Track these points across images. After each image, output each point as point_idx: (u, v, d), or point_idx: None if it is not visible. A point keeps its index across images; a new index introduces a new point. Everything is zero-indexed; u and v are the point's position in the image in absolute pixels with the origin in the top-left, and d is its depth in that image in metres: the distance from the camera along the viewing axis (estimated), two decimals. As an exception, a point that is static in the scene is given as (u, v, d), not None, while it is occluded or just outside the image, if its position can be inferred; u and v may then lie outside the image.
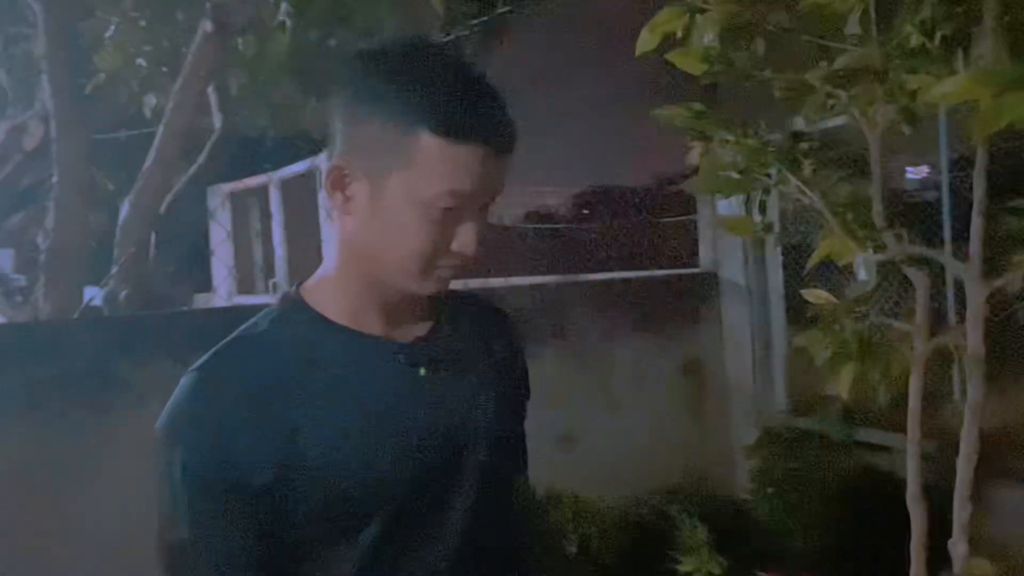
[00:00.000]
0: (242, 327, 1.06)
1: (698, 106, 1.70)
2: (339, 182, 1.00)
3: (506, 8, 6.67)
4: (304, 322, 1.05)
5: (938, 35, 1.36)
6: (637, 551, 3.40)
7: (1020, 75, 1.11)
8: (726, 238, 4.53)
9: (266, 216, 8.45)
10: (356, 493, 1.00)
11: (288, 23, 4.99)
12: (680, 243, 5.39)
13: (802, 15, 1.53)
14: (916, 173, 4.68)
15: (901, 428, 3.89)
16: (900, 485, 3.81)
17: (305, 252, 7.83)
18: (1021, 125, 1.01)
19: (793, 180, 1.57)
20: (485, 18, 6.94)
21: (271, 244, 8.44)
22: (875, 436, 4.00)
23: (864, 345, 1.46)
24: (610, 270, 5.93)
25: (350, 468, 0.99)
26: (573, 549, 2.99)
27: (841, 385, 1.55)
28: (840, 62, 1.41)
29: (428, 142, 0.93)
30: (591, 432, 3.90)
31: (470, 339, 1.18)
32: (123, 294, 4.09)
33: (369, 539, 1.01)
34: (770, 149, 1.61)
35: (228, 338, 1.04)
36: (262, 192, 8.59)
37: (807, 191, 1.54)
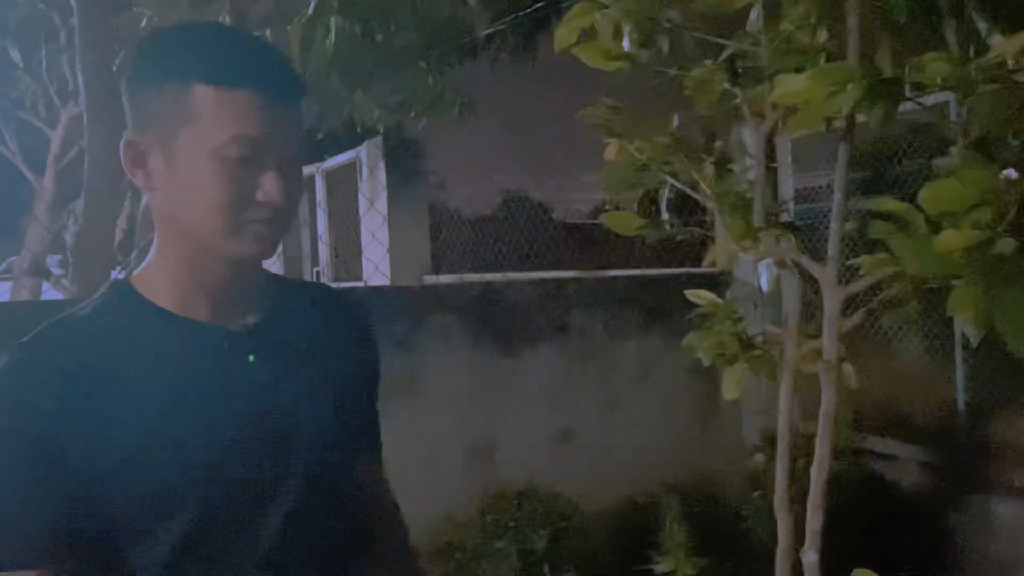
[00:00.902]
0: (68, 310, 1.08)
1: (611, 102, 1.70)
2: (136, 159, 1.00)
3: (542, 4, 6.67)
4: (127, 306, 1.04)
5: (820, 34, 1.33)
6: (614, 548, 3.39)
7: (851, 73, 1.09)
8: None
9: (312, 205, 8.63)
10: (170, 482, 0.99)
11: (334, 20, 5.09)
12: (694, 243, 5.31)
13: (701, 13, 1.51)
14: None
15: (903, 437, 3.81)
16: (897, 492, 3.73)
17: (349, 241, 8.00)
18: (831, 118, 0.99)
19: (696, 176, 1.56)
20: (525, 11, 6.93)
21: (317, 233, 8.62)
22: (878, 444, 3.92)
23: (744, 346, 1.44)
24: (622, 268, 5.89)
25: (164, 455, 0.98)
26: (542, 543, 3.00)
27: (728, 386, 1.53)
28: (723, 58, 1.40)
29: (202, 92, 0.95)
30: (590, 429, 3.91)
31: (307, 327, 1.16)
32: (140, 278, 4.26)
33: (179, 536, 0.99)
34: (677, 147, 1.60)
35: (52, 319, 1.04)
36: (308, 182, 8.81)
37: (704, 188, 1.53)
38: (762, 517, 3.55)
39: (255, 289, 1.11)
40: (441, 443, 3.53)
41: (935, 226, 1.08)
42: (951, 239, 1.00)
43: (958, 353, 3.81)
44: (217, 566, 1.03)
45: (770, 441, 3.94)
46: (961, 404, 3.85)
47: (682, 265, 5.13)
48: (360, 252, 7.36)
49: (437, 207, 7.97)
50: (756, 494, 3.51)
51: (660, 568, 3.21)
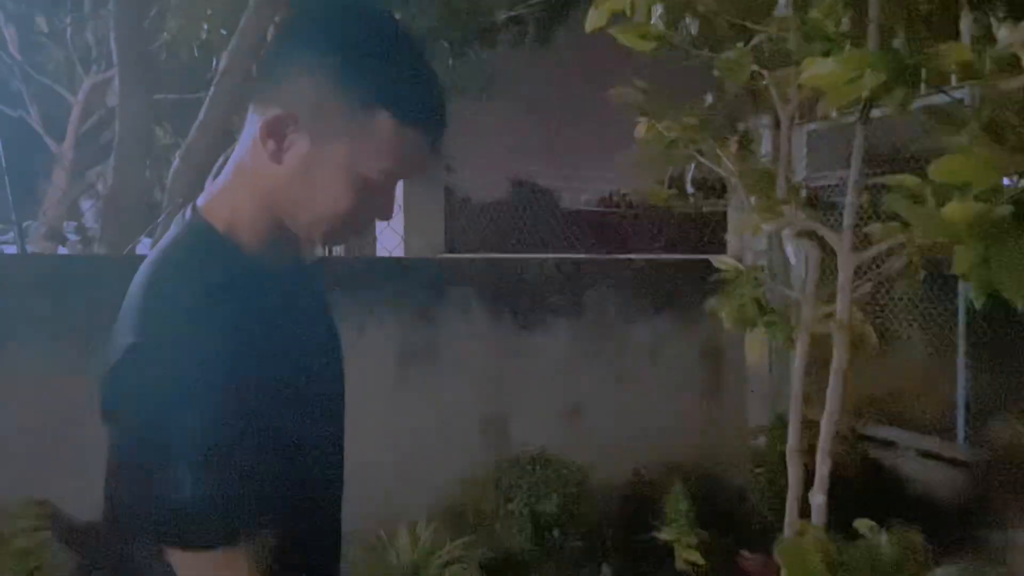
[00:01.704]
0: (158, 246, 1.14)
1: (643, 84, 1.81)
2: (278, 132, 1.00)
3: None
4: (209, 241, 1.07)
5: (844, 20, 1.44)
6: (620, 516, 3.53)
7: (874, 59, 1.20)
8: (745, 239, 4.56)
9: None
10: (272, 397, 1.00)
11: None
12: (710, 230, 5.43)
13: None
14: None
15: (905, 424, 3.93)
16: (894, 479, 3.85)
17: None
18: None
19: (721, 154, 1.67)
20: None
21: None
22: (880, 431, 4.05)
23: (762, 309, 1.56)
24: (639, 252, 6.01)
25: (266, 371, 1.00)
26: (553, 507, 3.14)
27: (750, 348, 1.65)
28: (754, 43, 1.51)
29: (387, 125, 0.98)
30: (600, 405, 4.04)
31: (318, 279, 1.26)
32: (169, 241, 4.38)
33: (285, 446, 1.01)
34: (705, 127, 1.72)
35: (156, 258, 1.08)
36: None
37: (728, 165, 1.64)
38: (763, 495, 3.68)
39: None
40: (458, 411, 3.66)
41: (942, 198, 1.19)
42: (957, 209, 1.12)
43: (960, 348, 3.93)
44: (311, 476, 1.12)
45: (778, 424, 4.07)
46: (961, 398, 3.97)
47: (693, 252, 5.25)
48: (375, 239, 7.45)
49: (452, 191, 8.06)
50: (758, 470, 3.63)
51: (663, 536, 3.35)
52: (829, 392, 1.43)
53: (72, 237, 7.51)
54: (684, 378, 4.33)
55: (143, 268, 1.09)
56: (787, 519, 1.55)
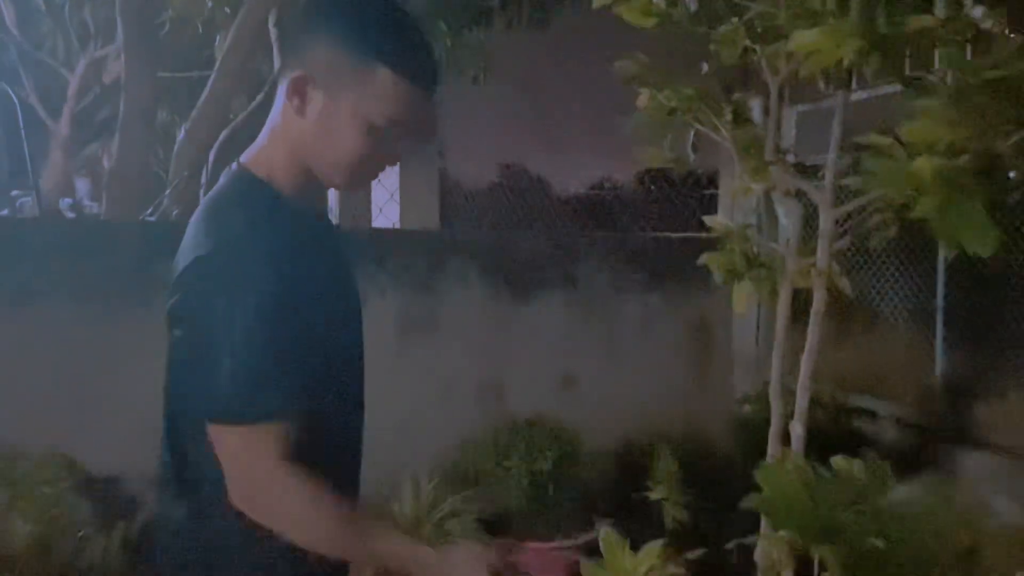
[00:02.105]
0: (209, 195, 1.32)
1: (644, 58, 1.96)
2: (300, 89, 1.20)
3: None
4: (257, 189, 1.27)
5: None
6: (612, 478, 3.70)
7: (854, 29, 1.35)
8: (744, 206, 4.72)
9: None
10: (319, 327, 1.22)
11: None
12: (700, 210, 5.59)
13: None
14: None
15: (887, 395, 4.10)
16: (873, 444, 4.03)
17: (358, 202, 8.22)
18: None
19: (716, 122, 1.82)
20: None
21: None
22: (863, 401, 4.24)
23: (751, 262, 1.72)
24: (634, 230, 6.19)
25: (313, 302, 1.22)
26: (548, 465, 3.30)
27: (737, 301, 1.81)
28: (747, 17, 1.66)
29: (385, 76, 1.17)
30: (592, 375, 4.20)
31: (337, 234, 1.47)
32: (174, 214, 4.49)
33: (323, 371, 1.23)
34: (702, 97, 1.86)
35: (215, 197, 1.28)
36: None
37: (723, 131, 1.79)
38: (748, 460, 3.85)
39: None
40: (456, 378, 3.82)
41: (912, 157, 1.35)
42: (923, 163, 1.27)
43: (939, 319, 4.12)
44: (342, 396, 1.33)
45: (762, 395, 4.24)
46: (939, 371, 4.17)
47: (681, 231, 5.44)
48: (370, 206, 7.57)
49: (447, 174, 8.16)
50: (743, 436, 3.80)
51: (653, 495, 3.52)
52: (809, 332, 1.58)
53: (69, 215, 7.56)
54: (673, 350, 4.49)
55: (197, 213, 1.30)
56: (769, 450, 1.71)
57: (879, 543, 1.27)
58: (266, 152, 1.28)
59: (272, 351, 1.13)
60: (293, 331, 1.15)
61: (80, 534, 2.72)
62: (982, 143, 1.32)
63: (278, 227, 1.21)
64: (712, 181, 5.59)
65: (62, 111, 7.58)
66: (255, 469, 1.15)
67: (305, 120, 1.21)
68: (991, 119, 1.29)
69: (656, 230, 6.84)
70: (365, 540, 1.19)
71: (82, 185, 8.59)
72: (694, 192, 6.43)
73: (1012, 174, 1.50)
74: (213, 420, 1.15)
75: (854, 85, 1.78)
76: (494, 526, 3.26)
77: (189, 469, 1.25)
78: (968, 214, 1.23)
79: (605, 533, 1.43)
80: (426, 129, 1.27)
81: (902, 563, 1.26)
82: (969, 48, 1.52)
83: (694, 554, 3.21)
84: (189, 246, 1.22)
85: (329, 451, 1.25)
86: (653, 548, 1.33)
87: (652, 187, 7.78)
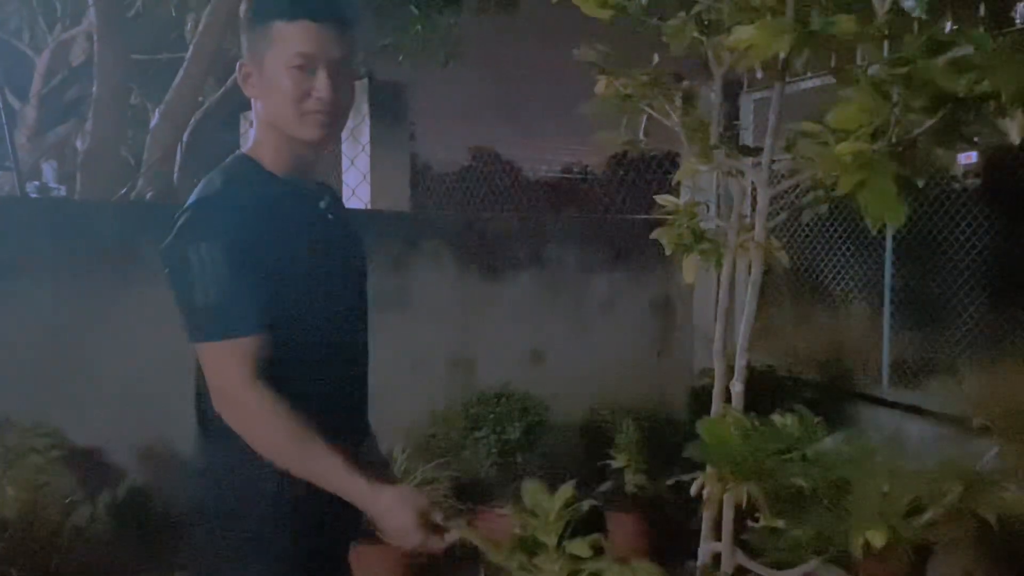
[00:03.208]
0: (209, 175, 1.51)
1: (603, 48, 2.11)
2: (246, 76, 1.49)
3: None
4: (253, 169, 1.51)
5: (768, -4, 1.74)
6: (578, 446, 3.89)
7: (787, 26, 1.52)
8: (702, 188, 4.90)
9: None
10: (304, 286, 1.45)
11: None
12: (666, 192, 5.76)
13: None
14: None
15: (827, 368, 4.32)
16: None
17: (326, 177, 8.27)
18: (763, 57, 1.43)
19: (668, 108, 1.98)
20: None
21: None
22: (807, 373, 4.47)
23: (697, 237, 1.89)
24: (602, 213, 6.35)
25: (297, 264, 1.45)
26: (517, 435, 3.47)
27: (687, 272, 1.98)
28: (695, 11, 1.82)
29: (278, 25, 1.43)
30: (559, 350, 4.37)
31: (340, 203, 1.70)
32: (148, 195, 4.58)
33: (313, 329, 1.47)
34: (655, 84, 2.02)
35: (213, 175, 1.49)
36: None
37: (674, 117, 1.95)
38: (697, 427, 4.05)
39: (316, 167, 1.62)
40: (428, 353, 3.97)
41: (838, 142, 1.52)
42: (844, 147, 1.44)
43: (886, 305, 4.36)
44: (333, 362, 1.53)
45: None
46: (886, 347, 4.40)
47: (648, 213, 5.62)
48: (341, 189, 7.65)
49: (417, 157, 8.24)
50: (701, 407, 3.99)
51: (616, 463, 3.71)
52: (747, 300, 1.75)
53: (34, 196, 7.55)
54: (637, 325, 4.68)
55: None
56: (713, 408, 1.88)
57: (801, 482, 1.45)
58: (255, 137, 1.55)
59: (236, 283, 1.36)
60: (257, 270, 1.38)
61: (67, 501, 2.83)
62: (898, 129, 1.50)
63: (251, 187, 1.46)
64: (677, 165, 5.76)
65: (28, 93, 7.54)
66: (225, 381, 1.38)
67: (256, 91, 1.48)
68: (903, 108, 1.46)
69: (623, 212, 7.02)
70: (311, 461, 1.37)
71: (47, 168, 8.55)
72: (660, 175, 6.62)
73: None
74: (192, 339, 1.40)
75: (808, 74, 1.95)
76: (465, 492, 3.43)
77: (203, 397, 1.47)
78: (880, 192, 1.41)
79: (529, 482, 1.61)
80: (332, 50, 1.45)
81: (819, 499, 1.43)
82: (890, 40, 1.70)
83: (603, 487, 3.40)
84: (185, 207, 1.45)
85: (307, 385, 1.44)
86: (567, 488, 1.51)
87: (620, 171, 7.96)
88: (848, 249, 4.75)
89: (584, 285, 4.59)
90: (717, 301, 4.84)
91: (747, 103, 4.70)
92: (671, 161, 5.93)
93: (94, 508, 2.89)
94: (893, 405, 4.14)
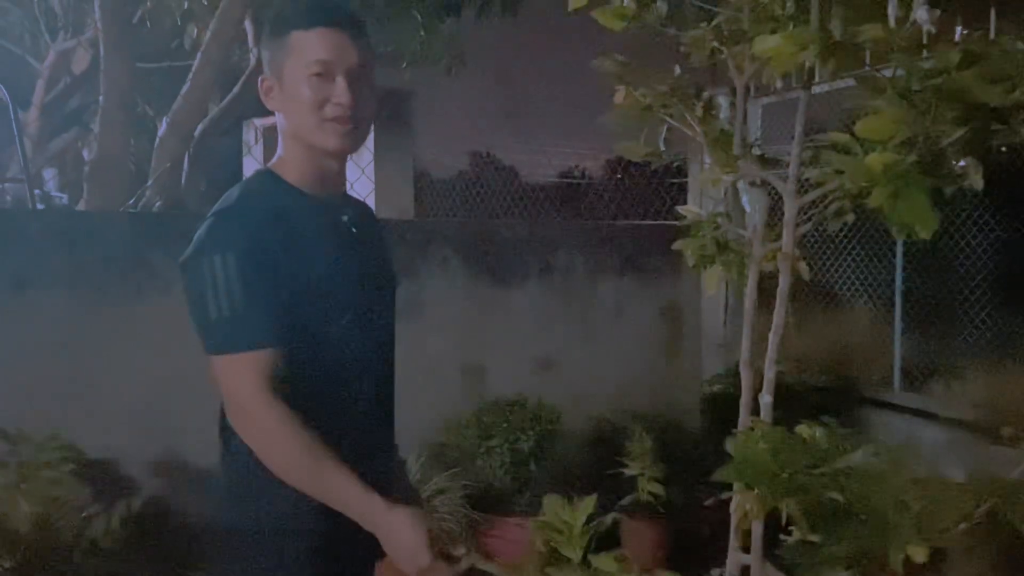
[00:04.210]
0: (231, 190, 1.50)
1: (622, 58, 2.10)
2: (268, 90, 1.50)
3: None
4: (275, 184, 1.50)
5: (790, 4, 1.73)
6: (590, 455, 3.87)
7: (812, 36, 1.51)
8: (711, 195, 4.90)
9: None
10: (322, 299, 1.44)
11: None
12: (673, 200, 5.76)
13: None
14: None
15: (839, 373, 4.31)
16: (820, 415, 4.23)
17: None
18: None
19: (688, 117, 1.97)
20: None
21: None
22: (819, 379, 4.46)
23: (721, 247, 1.87)
24: (607, 220, 6.35)
25: (315, 274, 1.44)
26: (530, 443, 3.45)
27: (709, 283, 1.97)
28: (715, 22, 1.81)
29: (296, 35, 1.44)
30: (569, 358, 4.35)
31: (368, 217, 1.68)
32: (156, 205, 4.55)
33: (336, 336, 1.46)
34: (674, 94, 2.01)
35: (234, 191, 1.48)
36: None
37: (695, 126, 1.94)
38: (717, 434, 4.04)
39: (342, 180, 1.62)
40: (439, 362, 3.95)
41: (867, 151, 1.50)
42: (876, 158, 1.43)
43: (897, 310, 4.35)
44: (334, 349, 1.48)
45: (729, 375, 4.44)
46: (897, 352, 4.39)
47: (648, 217, 5.62)
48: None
49: (419, 164, 8.22)
50: (713, 414, 3.98)
51: (629, 471, 3.69)
52: (775, 311, 1.74)
53: (39, 206, 7.52)
54: (646, 332, 4.66)
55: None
56: (740, 419, 1.87)
57: (837, 496, 1.43)
58: (279, 151, 1.55)
59: (252, 295, 1.36)
60: (273, 283, 1.37)
61: (83, 515, 2.81)
62: (927, 140, 1.49)
63: (269, 199, 1.46)
64: (680, 170, 5.76)
65: (30, 102, 7.52)
66: (239, 394, 1.36)
67: (277, 104, 1.49)
68: (935, 118, 1.45)
69: (625, 216, 7.01)
70: (324, 479, 1.34)
71: (49, 176, 8.53)
72: (662, 180, 6.62)
73: (964, 162, 1.65)
74: (208, 351, 1.39)
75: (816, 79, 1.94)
76: (478, 502, 3.41)
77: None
78: (913, 203, 1.40)
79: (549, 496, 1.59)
80: (348, 57, 1.46)
81: (856, 513, 1.42)
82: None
83: (625, 501, 3.38)
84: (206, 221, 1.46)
85: (326, 399, 1.43)
86: (589, 501, 1.49)
87: (620, 175, 7.95)
88: (858, 252, 4.74)
89: (593, 291, 4.57)
90: (726, 307, 4.86)
91: (756, 109, 4.71)
92: (676, 167, 5.92)
93: (109, 522, 2.87)
94: (904, 410, 4.13)
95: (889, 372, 4.40)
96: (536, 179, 9.40)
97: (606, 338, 4.55)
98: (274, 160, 1.55)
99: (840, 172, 1.56)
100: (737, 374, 4.22)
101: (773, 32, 1.73)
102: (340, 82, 1.43)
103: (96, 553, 2.81)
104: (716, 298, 4.83)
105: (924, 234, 1.44)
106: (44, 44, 7.52)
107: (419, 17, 6.60)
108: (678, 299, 4.83)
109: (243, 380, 1.35)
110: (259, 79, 1.51)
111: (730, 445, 1.70)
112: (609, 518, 1.40)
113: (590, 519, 1.65)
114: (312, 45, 1.43)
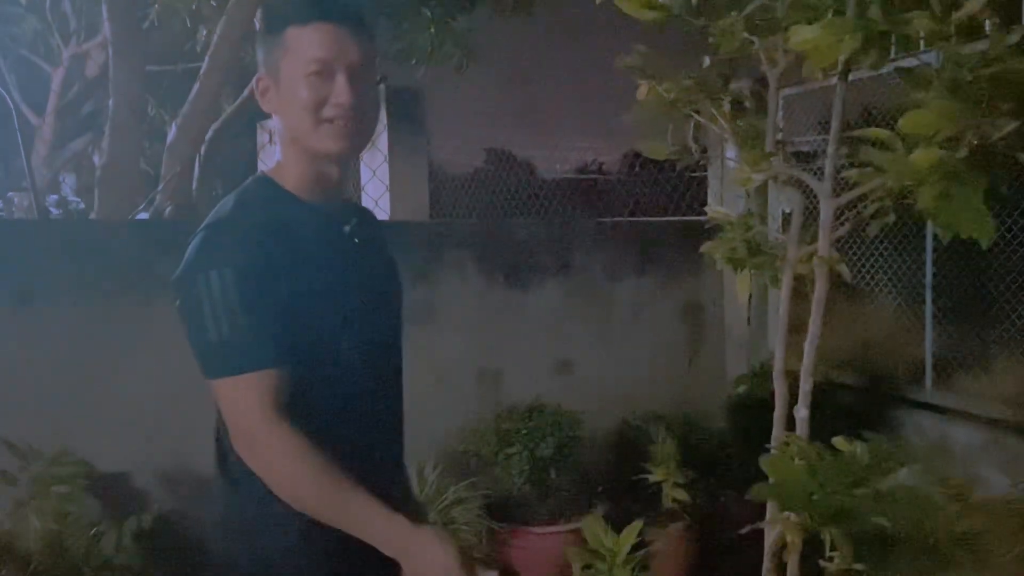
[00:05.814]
0: (227, 196, 1.41)
1: (645, 51, 1.99)
2: (263, 90, 1.41)
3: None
4: (271, 190, 1.42)
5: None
6: (612, 460, 3.76)
7: (853, 25, 1.40)
8: (732, 191, 4.77)
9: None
10: (325, 309, 1.35)
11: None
12: (692, 195, 5.64)
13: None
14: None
15: (867, 371, 4.18)
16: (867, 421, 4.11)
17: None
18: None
19: (715, 113, 1.86)
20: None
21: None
22: (847, 378, 4.32)
23: (752, 250, 1.77)
24: (624, 215, 6.24)
25: (317, 285, 1.36)
26: (550, 450, 3.35)
27: (741, 288, 1.86)
28: (747, 11, 1.69)
29: (291, 31, 1.35)
30: (588, 359, 4.25)
31: (370, 223, 1.59)
32: (167, 210, 4.49)
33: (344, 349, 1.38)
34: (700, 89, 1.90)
35: (232, 197, 1.39)
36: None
37: (722, 123, 1.83)
38: (745, 440, 3.92)
39: (343, 186, 1.51)
40: (456, 366, 3.86)
41: (909, 148, 1.39)
42: (923, 155, 1.32)
43: (928, 304, 4.21)
44: (343, 364, 1.40)
45: (754, 375, 4.31)
46: (929, 348, 4.25)
47: (667, 213, 5.51)
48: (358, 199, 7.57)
49: (434, 163, 8.13)
50: (737, 416, 3.86)
51: (653, 477, 3.58)
52: (811, 319, 1.63)
53: (54, 211, 7.52)
54: (667, 332, 4.55)
55: None
56: (774, 433, 1.76)
57: (885, 522, 1.33)
58: (277, 157, 1.46)
59: (250, 312, 1.27)
60: (272, 298, 1.28)
61: (93, 532, 2.75)
62: (977, 134, 1.37)
63: (265, 209, 1.36)
64: (699, 164, 5.62)
65: (45, 107, 7.51)
66: (245, 419, 1.27)
67: (274, 106, 1.40)
68: (986, 111, 1.34)
69: (643, 212, 6.88)
70: (343, 503, 1.24)
71: (66, 181, 8.52)
72: (680, 175, 6.48)
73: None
74: (208, 376, 1.30)
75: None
76: (498, 511, 3.32)
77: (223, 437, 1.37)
78: (966, 203, 1.29)
79: (589, 518, 1.48)
80: (346, 53, 1.36)
81: (906, 540, 1.31)
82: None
83: (675, 526, 3.28)
84: (199, 231, 1.37)
85: (332, 418, 1.34)
86: (634, 527, 1.39)
87: (638, 169, 7.82)
88: (885, 246, 4.59)
89: (611, 291, 4.47)
90: (750, 304, 4.73)
91: (775, 101, 4.57)
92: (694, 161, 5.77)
93: (120, 537, 2.80)
94: (937, 409, 3.99)
95: (920, 370, 4.25)
96: (552, 174, 9.29)
97: (626, 339, 4.44)
98: (272, 165, 1.47)
99: (881, 171, 1.45)
100: (763, 374, 4.10)
101: (809, 22, 1.62)
102: (340, 81, 1.35)
103: (108, 569, 2.74)
104: (745, 296, 4.69)
105: (981, 238, 1.32)
106: (58, 49, 7.51)
107: (429, 14, 6.51)
108: (700, 297, 4.71)
109: (248, 404, 1.26)
110: (255, 79, 1.41)
111: (763, 463, 1.59)
112: (654, 545, 1.30)
113: (637, 548, 1.53)
114: (309, 42, 1.34)
